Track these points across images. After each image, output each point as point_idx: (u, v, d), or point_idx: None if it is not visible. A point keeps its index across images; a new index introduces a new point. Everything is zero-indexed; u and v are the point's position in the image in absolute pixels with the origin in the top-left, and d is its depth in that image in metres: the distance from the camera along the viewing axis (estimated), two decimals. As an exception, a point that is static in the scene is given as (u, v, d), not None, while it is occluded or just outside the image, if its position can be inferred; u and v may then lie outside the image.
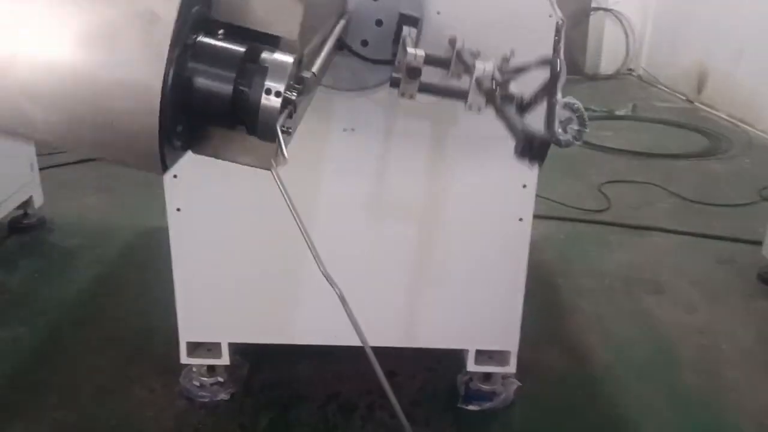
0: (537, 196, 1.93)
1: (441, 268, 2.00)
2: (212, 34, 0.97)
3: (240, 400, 2.15)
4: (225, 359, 2.10)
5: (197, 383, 2.15)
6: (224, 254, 1.98)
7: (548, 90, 1.28)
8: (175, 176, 1.87)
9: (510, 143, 1.16)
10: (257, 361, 2.28)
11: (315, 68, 1.17)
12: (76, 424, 2.07)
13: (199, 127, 1.03)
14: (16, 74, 0.87)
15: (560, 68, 1.30)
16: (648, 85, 7.26)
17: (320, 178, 1.90)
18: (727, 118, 5.87)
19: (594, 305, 2.78)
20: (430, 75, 1.43)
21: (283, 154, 1.00)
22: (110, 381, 2.24)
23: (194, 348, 2.10)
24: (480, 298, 2.02)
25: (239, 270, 2.00)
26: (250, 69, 0.97)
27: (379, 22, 1.65)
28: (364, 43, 1.66)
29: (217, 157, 1.07)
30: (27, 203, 3.27)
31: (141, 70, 0.86)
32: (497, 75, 1.31)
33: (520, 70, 1.34)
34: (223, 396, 2.14)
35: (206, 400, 2.13)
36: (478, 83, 1.30)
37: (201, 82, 0.95)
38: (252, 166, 1.08)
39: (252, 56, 0.98)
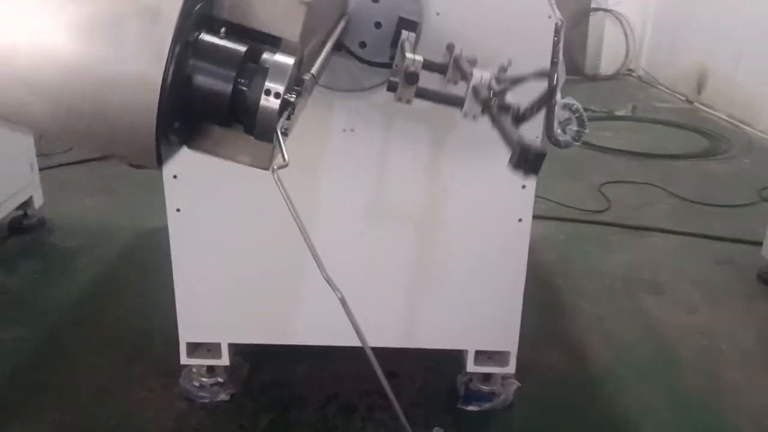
0: (537, 196, 1.93)
1: (441, 269, 2.00)
2: (214, 32, 0.97)
3: (240, 401, 2.14)
4: (225, 360, 2.10)
5: (197, 384, 2.15)
6: (224, 255, 1.98)
7: (546, 101, 1.29)
8: (175, 177, 1.87)
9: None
10: (257, 362, 2.28)
11: (314, 70, 1.17)
12: (75, 424, 2.07)
13: (196, 124, 1.03)
14: (16, 63, 0.87)
15: (557, 78, 1.31)
16: (648, 86, 7.26)
17: (320, 178, 1.90)
18: (726, 118, 5.87)
19: (594, 306, 2.78)
20: (427, 79, 1.43)
21: (283, 156, 1.00)
22: (110, 381, 2.24)
23: (194, 348, 2.10)
24: (479, 299, 2.02)
25: (239, 270, 2.00)
26: (250, 69, 0.97)
27: (378, 25, 1.65)
28: (362, 44, 1.66)
29: (212, 154, 1.07)
30: (27, 204, 3.27)
31: (141, 65, 0.86)
32: (494, 84, 1.31)
33: (517, 81, 1.34)
34: (223, 396, 2.14)
35: (206, 400, 2.13)
36: (475, 91, 1.30)
37: (201, 79, 0.95)
38: (251, 166, 1.08)
39: (253, 56, 0.98)
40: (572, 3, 7.23)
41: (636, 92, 6.98)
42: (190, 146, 1.05)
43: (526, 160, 1.06)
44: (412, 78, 1.33)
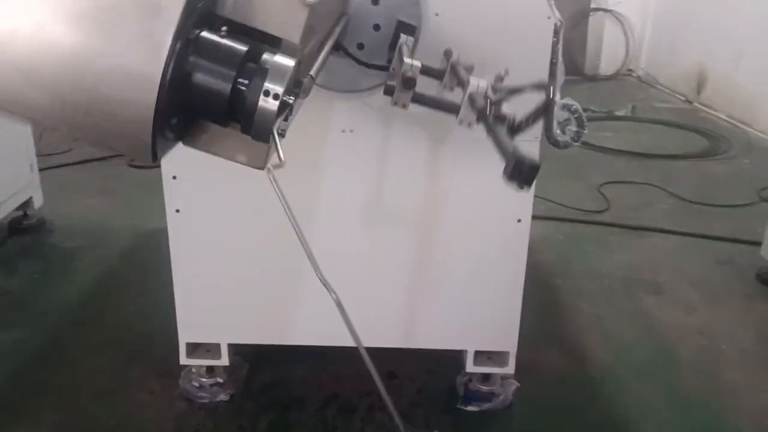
0: (536, 196, 1.93)
1: (440, 269, 2.00)
2: (215, 31, 0.96)
3: (239, 402, 2.15)
4: (224, 360, 2.10)
5: (196, 384, 2.15)
6: (223, 255, 1.98)
7: (542, 112, 1.29)
8: (174, 177, 1.87)
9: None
10: (257, 362, 2.28)
11: (312, 71, 1.17)
12: (75, 425, 2.07)
13: (192, 121, 1.03)
14: (14, 50, 0.86)
15: (555, 90, 1.31)
16: (647, 86, 7.26)
17: (319, 178, 1.90)
18: (726, 118, 5.87)
19: (593, 306, 2.78)
20: (424, 83, 1.42)
21: (279, 157, 1.00)
22: (110, 382, 2.24)
23: (193, 349, 2.10)
24: (479, 299, 2.02)
25: (238, 271, 2.00)
26: (250, 69, 0.97)
27: (376, 27, 1.64)
28: (360, 46, 1.66)
29: (208, 151, 1.07)
30: (27, 204, 3.27)
31: (141, 60, 0.86)
32: (491, 93, 1.31)
33: (514, 91, 1.34)
34: (223, 397, 2.14)
35: (205, 401, 2.13)
36: (471, 99, 1.30)
37: (200, 77, 0.95)
38: (246, 165, 1.08)
39: (253, 56, 0.98)
40: (572, 3, 7.23)
41: (636, 92, 6.97)
42: (185, 142, 1.05)
43: (520, 172, 1.07)
44: (409, 83, 1.33)
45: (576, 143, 1.41)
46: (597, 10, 7.54)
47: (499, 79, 1.35)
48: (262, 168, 1.07)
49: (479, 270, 1.99)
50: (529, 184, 1.08)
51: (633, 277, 3.03)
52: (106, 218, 3.51)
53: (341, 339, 1.49)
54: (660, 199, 3.99)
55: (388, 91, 1.40)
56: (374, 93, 1.72)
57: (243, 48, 0.97)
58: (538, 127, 1.46)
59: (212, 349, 2.10)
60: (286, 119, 1.01)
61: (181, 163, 1.85)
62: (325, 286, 1.20)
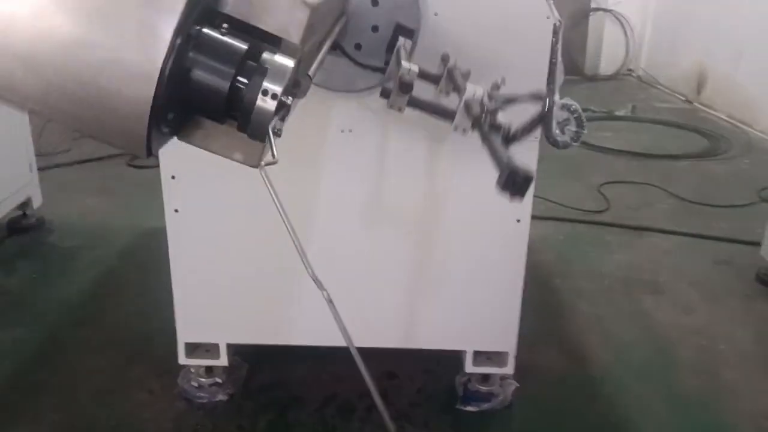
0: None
1: (439, 269, 2.00)
2: (216, 27, 0.96)
3: (238, 402, 2.15)
4: (223, 360, 2.10)
5: (195, 384, 2.15)
6: (222, 255, 1.98)
7: (537, 123, 1.29)
8: (173, 177, 1.87)
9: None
10: (256, 362, 2.28)
11: (311, 71, 1.17)
12: (75, 425, 2.07)
13: (189, 116, 1.02)
14: (14, 37, 0.85)
15: (554, 90, 1.31)
16: (647, 86, 7.26)
17: (319, 178, 1.90)
18: (726, 118, 5.87)
19: (592, 306, 2.78)
20: (421, 86, 1.42)
21: (273, 155, 1.00)
22: (109, 382, 2.24)
23: (192, 349, 2.10)
24: (478, 299, 2.02)
25: (237, 271, 2.00)
26: (249, 67, 0.96)
27: (375, 28, 1.64)
28: (358, 46, 1.66)
29: (203, 147, 1.06)
30: (26, 204, 3.27)
31: (141, 53, 0.85)
32: (486, 101, 1.30)
33: (510, 101, 1.34)
34: (222, 397, 2.14)
35: (204, 401, 2.13)
36: (467, 106, 1.30)
37: (199, 74, 0.94)
38: (240, 163, 1.07)
39: (253, 54, 0.97)
40: (572, 3, 7.23)
41: (636, 92, 6.97)
42: (180, 137, 1.04)
43: (514, 183, 1.06)
44: (406, 87, 1.33)
45: (575, 143, 1.41)
46: (597, 10, 7.54)
47: (496, 87, 1.34)
48: (257, 166, 1.06)
49: (478, 270, 1.99)
50: (522, 195, 1.07)
51: (632, 277, 3.03)
52: (106, 218, 3.51)
53: (341, 339, 1.49)
54: (660, 199, 3.99)
55: (385, 94, 1.40)
56: (373, 93, 1.72)
57: (243, 46, 0.97)
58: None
59: (211, 349, 2.10)
60: (282, 119, 1.01)
61: (180, 163, 1.84)
62: (315, 283, 1.20)
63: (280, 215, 1.09)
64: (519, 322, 2.03)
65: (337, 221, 1.93)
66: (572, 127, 1.40)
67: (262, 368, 2.29)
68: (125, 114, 0.87)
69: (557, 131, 1.39)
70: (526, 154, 1.53)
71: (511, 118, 1.30)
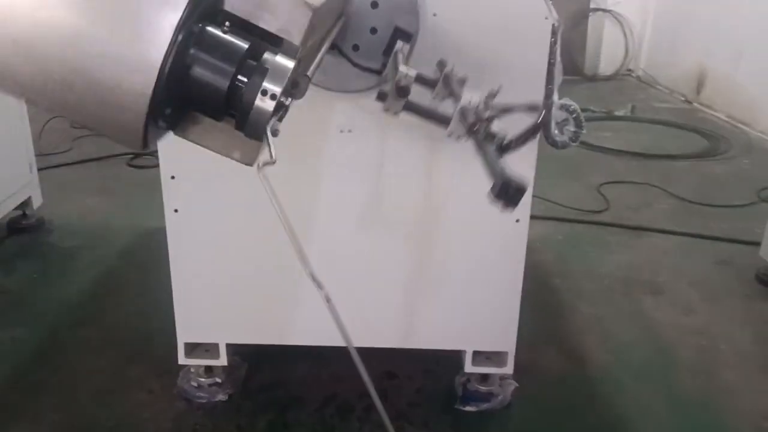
0: (535, 196, 1.93)
1: (438, 270, 2.00)
2: (218, 25, 0.96)
3: (238, 401, 2.15)
4: (223, 360, 2.10)
5: (195, 384, 2.15)
6: (222, 255, 1.98)
7: (532, 133, 1.29)
8: (173, 177, 1.87)
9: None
10: (256, 362, 2.29)
11: (309, 71, 1.17)
12: (75, 424, 2.07)
13: (186, 112, 1.03)
14: (14, 26, 0.85)
15: (553, 91, 1.31)
16: (647, 86, 7.26)
17: (319, 178, 1.91)
18: (726, 119, 5.87)
19: (592, 306, 2.78)
20: (417, 90, 1.42)
21: (270, 155, 1.00)
22: (109, 382, 2.25)
23: (192, 349, 2.10)
24: (477, 299, 2.03)
25: (237, 271, 2.00)
26: (250, 66, 0.97)
27: (373, 30, 1.64)
28: (356, 47, 1.65)
29: (199, 143, 1.06)
30: (26, 204, 3.27)
31: (142, 48, 0.85)
32: (482, 109, 1.30)
33: (505, 110, 1.34)
34: (221, 397, 2.14)
35: (204, 401, 2.13)
36: (462, 113, 1.30)
37: (199, 71, 0.94)
38: (237, 161, 1.07)
39: (254, 54, 0.98)
40: (572, 3, 7.23)
41: (635, 92, 6.97)
42: (177, 133, 1.04)
43: (507, 193, 1.06)
44: (403, 92, 1.33)
45: (574, 143, 1.41)
46: (597, 10, 7.53)
47: (492, 95, 1.34)
48: (253, 165, 1.06)
49: (478, 270, 2.00)
50: (515, 205, 1.07)
51: (632, 277, 3.03)
52: (106, 218, 3.51)
53: (340, 339, 1.49)
54: (659, 199, 3.99)
55: (381, 98, 1.39)
56: (371, 94, 1.73)
57: (244, 45, 0.97)
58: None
59: (211, 349, 2.10)
60: (280, 119, 1.01)
61: (180, 163, 1.85)
62: (313, 281, 1.20)
63: (277, 213, 1.09)
64: (518, 322, 2.03)
65: (336, 221, 1.93)
66: (571, 128, 1.40)
67: (262, 368, 2.29)
68: (124, 107, 0.87)
69: (556, 131, 1.39)
70: (525, 154, 1.52)
71: (506, 126, 1.30)
